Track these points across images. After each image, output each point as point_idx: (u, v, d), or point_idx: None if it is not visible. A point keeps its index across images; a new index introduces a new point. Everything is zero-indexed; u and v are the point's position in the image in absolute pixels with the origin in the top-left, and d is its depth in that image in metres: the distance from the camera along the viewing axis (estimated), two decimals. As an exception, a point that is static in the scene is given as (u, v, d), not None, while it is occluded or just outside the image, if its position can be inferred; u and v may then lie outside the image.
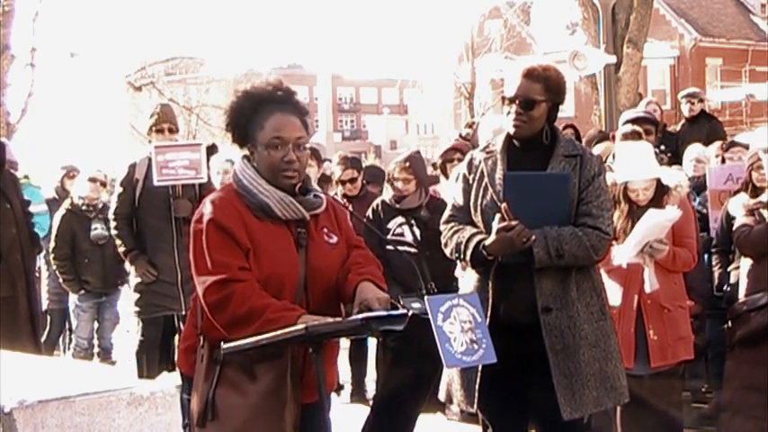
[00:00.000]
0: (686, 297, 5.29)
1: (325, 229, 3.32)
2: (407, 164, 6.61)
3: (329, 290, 3.27)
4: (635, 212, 5.11)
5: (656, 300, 5.08)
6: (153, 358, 6.87)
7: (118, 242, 6.99)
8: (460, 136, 9.05)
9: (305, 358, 3.19)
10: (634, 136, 6.54)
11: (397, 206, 6.60)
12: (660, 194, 5.16)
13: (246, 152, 3.31)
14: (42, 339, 8.20)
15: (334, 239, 3.33)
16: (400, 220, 6.59)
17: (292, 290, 3.19)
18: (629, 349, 4.95)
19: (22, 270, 6.60)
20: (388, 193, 6.71)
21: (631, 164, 5.19)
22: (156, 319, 6.86)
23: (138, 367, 6.96)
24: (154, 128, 7.06)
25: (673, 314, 5.14)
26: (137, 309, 6.94)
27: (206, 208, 3.22)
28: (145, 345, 6.97)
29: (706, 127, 9.52)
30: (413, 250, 6.41)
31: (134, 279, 6.92)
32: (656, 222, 5.00)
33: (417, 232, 6.51)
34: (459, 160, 7.37)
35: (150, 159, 6.77)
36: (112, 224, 7.02)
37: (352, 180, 7.42)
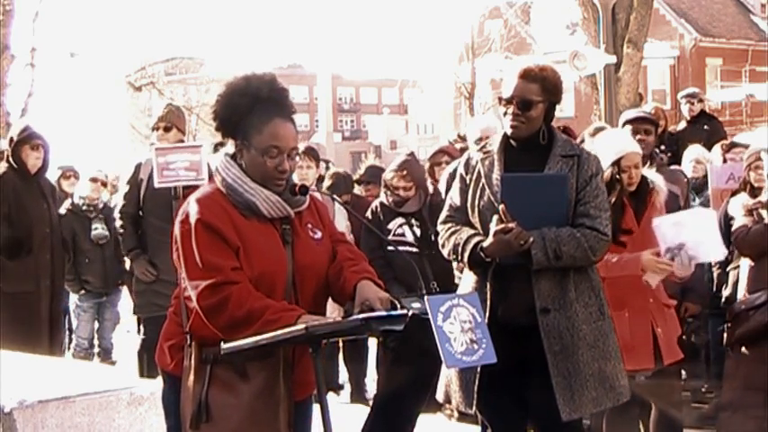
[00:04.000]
0: (668, 296, 5.29)
1: (310, 225, 3.32)
2: (404, 171, 6.61)
3: (318, 286, 3.27)
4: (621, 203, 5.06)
5: (657, 299, 5.08)
6: (153, 358, 6.87)
7: (121, 240, 7.06)
8: (459, 136, 9.04)
9: (294, 355, 3.19)
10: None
11: (399, 210, 6.60)
12: (644, 189, 5.12)
13: (230, 146, 3.29)
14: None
15: (319, 235, 3.33)
16: (400, 220, 6.60)
17: (282, 287, 3.18)
18: (648, 349, 4.96)
19: (48, 269, 6.78)
20: (384, 197, 6.71)
21: (616, 143, 5.17)
22: (159, 319, 6.86)
23: (140, 366, 6.98)
24: (153, 126, 7.18)
25: (671, 312, 5.16)
26: (136, 307, 6.97)
27: (191, 207, 3.19)
28: (147, 344, 6.98)
29: (706, 127, 9.53)
30: (414, 250, 6.42)
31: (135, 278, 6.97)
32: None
33: (418, 232, 6.52)
34: (447, 163, 7.39)
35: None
36: (118, 222, 7.08)
37: (346, 203, 7.42)
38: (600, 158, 5.05)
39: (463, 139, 8.68)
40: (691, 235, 4.95)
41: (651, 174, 5.27)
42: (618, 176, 4.99)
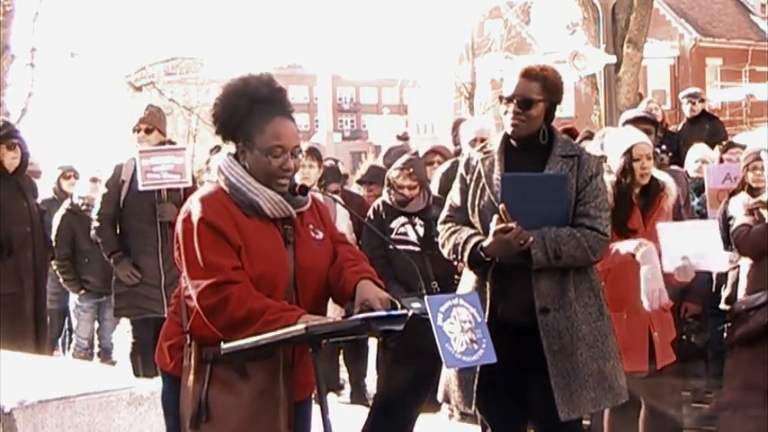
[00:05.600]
0: (668, 298, 5.30)
1: (311, 226, 3.32)
2: (411, 170, 6.61)
3: (319, 286, 3.27)
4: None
5: None
6: (148, 358, 6.85)
7: (101, 243, 6.98)
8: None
9: (294, 355, 3.20)
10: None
11: (402, 209, 6.60)
12: (655, 189, 5.13)
13: (232, 148, 3.29)
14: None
15: (320, 236, 3.33)
16: (403, 219, 6.59)
17: (284, 287, 3.19)
18: (643, 352, 4.96)
19: (31, 268, 6.74)
20: (387, 196, 6.70)
21: (626, 135, 5.19)
22: (147, 320, 6.86)
23: (134, 369, 6.97)
24: (135, 127, 7.14)
25: (667, 315, 5.16)
26: (118, 309, 6.98)
27: (194, 206, 3.19)
28: (138, 346, 6.98)
29: (707, 127, 9.54)
30: (416, 249, 6.42)
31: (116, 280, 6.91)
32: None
33: (421, 231, 6.52)
34: (439, 163, 7.42)
35: (136, 162, 6.79)
36: (95, 224, 7.00)
37: (335, 192, 7.42)
38: (612, 153, 5.09)
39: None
40: (693, 247, 4.97)
41: (663, 176, 5.27)
42: (630, 166, 5.00)
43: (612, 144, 5.23)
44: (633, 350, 4.92)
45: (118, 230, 6.94)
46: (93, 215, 7.08)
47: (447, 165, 7.06)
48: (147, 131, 7.02)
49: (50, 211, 8.37)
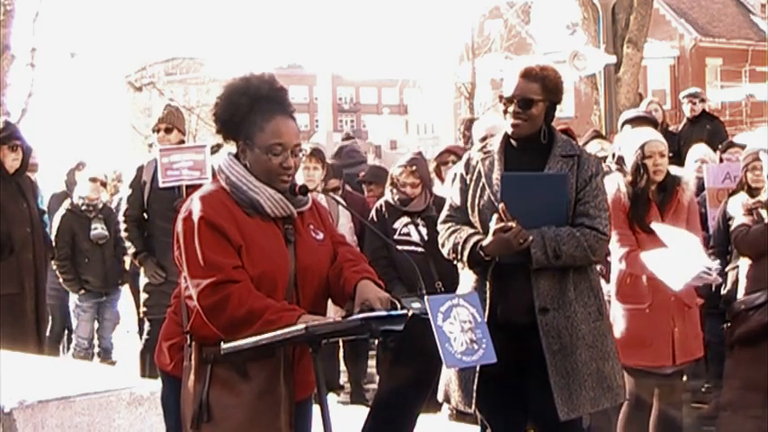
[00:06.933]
0: (696, 295, 5.29)
1: (312, 226, 3.33)
2: (414, 168, 6.61)
3: (319, 286, 3.28)
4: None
5: (679, 298, 5.08)
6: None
7: (127, 244, 7.08)
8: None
9: (294, 355, 3.20)
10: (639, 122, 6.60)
11: (404, 208, 6.59)
12: (671, 184, 5.14)
13: (233, 147, 3.30)
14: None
15: (321, 236, 3.34)
16: (406, 219, 6.59)
17: (284, 286, 3.19)
18: (667, 346, 4.98)
19: (32, 269, 6.75)
20: (390, 195, 6.70)
21: (640, 134, 5.22)
22: (164, 320, 6.88)
23: (142, 366, 6.98)
24: (154, 127, 7.21)
25: (692, 311, 5.16)
26: (145, 309, 6.99)
27: (195, 205, 3.19)
28: (150, 344, 6.99)
29: (707, 127, 9.54)
30: (420, 249, 6.41)
31: (143, 280, 6.97)
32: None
33: (424, 231, 6.51)
34: (454, 162, 7.39)
35: (157, 161, 6.83)
36: (122, 226, 7.09)
37: (335, 189, 7.41)
38: (625, 152, 5.12)
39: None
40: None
41: (679, 171, 5.30)
42: (643, 163, 5.01)
43: (626, 143, 5.25)
44: (656, 344, 4.94)
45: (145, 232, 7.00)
46: (120, 217, 7.16)
47: (459, 165, 7.06)
48: (167, 131, 7.08)
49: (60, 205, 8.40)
